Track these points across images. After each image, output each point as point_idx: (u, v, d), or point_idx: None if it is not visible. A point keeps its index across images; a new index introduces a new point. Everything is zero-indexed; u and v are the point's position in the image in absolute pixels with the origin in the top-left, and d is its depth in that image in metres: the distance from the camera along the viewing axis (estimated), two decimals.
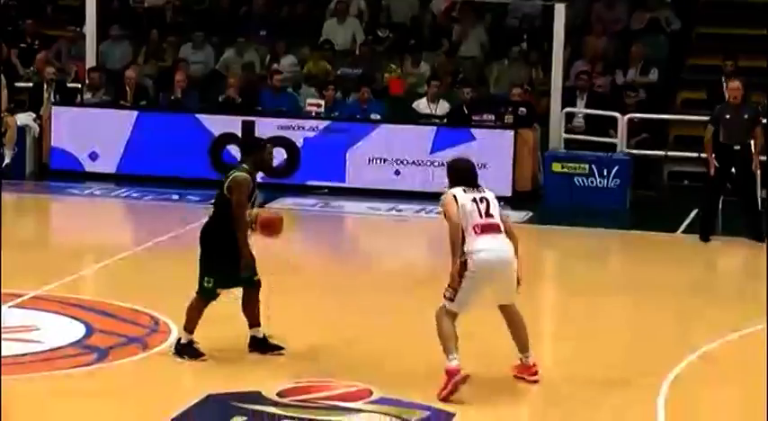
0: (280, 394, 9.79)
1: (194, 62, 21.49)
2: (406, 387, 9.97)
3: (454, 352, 9.87)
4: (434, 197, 17.78)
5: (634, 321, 12.24)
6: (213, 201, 10.91)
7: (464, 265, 9.84)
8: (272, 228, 10.83)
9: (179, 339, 10.74)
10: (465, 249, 9.84)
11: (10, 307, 11.99)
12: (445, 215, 9.97)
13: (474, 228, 9.84)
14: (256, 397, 9.70)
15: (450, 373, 9.81)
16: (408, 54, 21.43)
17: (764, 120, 17.23)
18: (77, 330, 11.41)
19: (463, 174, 10.20)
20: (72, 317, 11.79)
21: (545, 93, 19.84)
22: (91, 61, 20.78)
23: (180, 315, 11.67)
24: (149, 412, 9.25)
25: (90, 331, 11.41)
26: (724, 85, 18.48)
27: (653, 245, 16.66)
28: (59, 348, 10.92)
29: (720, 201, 16.71)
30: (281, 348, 10.86)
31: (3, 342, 10.73)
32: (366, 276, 14.64)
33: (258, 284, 10.75)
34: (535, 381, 10.24)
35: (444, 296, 9.99)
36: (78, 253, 15.41)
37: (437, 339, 10.78)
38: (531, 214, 17.59)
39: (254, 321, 10.86)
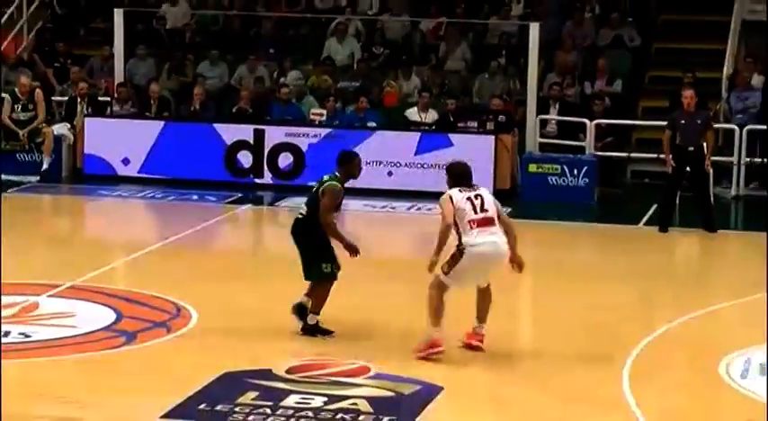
0: (288, 371, 9.80)
1: (211, 77, 21.48)
2: (400, 364, 9.99)
3: (438, 325, 10.02)
4: (422, 195, 18.00)
5: (601, 304, 12.24)
6: (306, 201, 11.04)
7: (461, 253, 9.94)
8: None
9: (306, 320, 10.85)
10: (463, 241, 9.96)
11: (49, 296, 12.00)
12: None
13: (470, 223, 9.94)
14: (268, 374, 9.71)
15: (432, 344, 10.01)
16: (400, 68, 21.42)
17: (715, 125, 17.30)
18: (108, 316, 11.42)
19: (459, 176, 10.25)
20: (103, 305, 11.79)
21: (522, 102, 19.85)
22: (119, 77, 20.79)
23: (200, 302, 11.78)
24: (173, 388, 9.25)
25: (120, 317, 11.41)
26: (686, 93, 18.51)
27: (617, 236, 16.67)
28: (92, 333, 10.92)
29: (677, 197, 16.74)
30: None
31: (43, 327, 10.80)
32: (364, 265, 14.60)
33: (338, 267, 10.97)
34: (478, 347, 10.29)
35: (441, 269, 10.04)
36: (109, 247, 15.42)
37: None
38: (509, 210, 17.47)
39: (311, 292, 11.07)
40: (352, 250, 10.80)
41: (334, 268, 10.89)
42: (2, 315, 10.72)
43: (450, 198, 10.05)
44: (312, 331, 10.87)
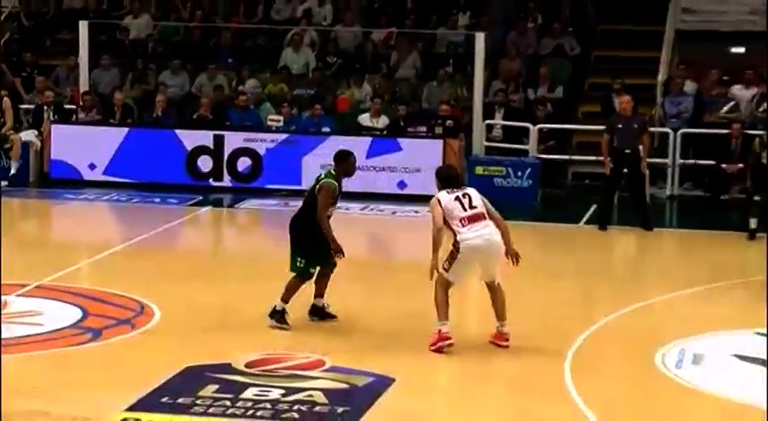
0: (247, 365, 9.75)
1: (172, 86, 21.38)
2: (354, 357, 9.97)
3: (445, 318, 10.14)
4: (374, 197, 18.00)
5: (544, 299, 12.27)
6: (304, 197, 11.10)
7: (457, 250, 10.04)
8: None
9: (275, 306, 10.86)
10: (457, 239, 10.04)
11: (17, 296, 11.89)
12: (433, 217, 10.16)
13: (461, 221, 10.03)
14: (227, 368, 9.66)
15: (441, 337, 10.11)
16: (353, 77, 21.40)
17: (650, 129, 17.40)
18: (74, 314, 11.32)
19: (445, 178, 10.34)
20: (70, 303, 11.69)
21: (468, 107, 19.89)
22: (84, 86, 20.66)
23: (163, 300, 11.70)
24: (137, 382, 9.18)
25: (85, 315, 11.32)
26: (614, 100, 18.65)
27: (560, 234, 16.73)
28: (59, 330, 10.83)
29: (615, 197, 16.84)
30: (335, 317, 11.11)
31: (10, 327, 10.68)
32: None
33: (334, 265, 10.99)
34: (506, 347, 10.32)
35: (443, 267, 10.12)
36: (75, 248, 15.30)
37: (381, 317, 10.85)
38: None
39: (319, 292, 11.12)
40: (338, 251, 10.78)
41: (309, 266, 10.88)
42: None
43: (439, 201, 10.12)
44: (273, 316, 10.86)
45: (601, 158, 16.92)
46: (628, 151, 16.38)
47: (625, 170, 16.48)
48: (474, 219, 10.08)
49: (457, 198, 10.09)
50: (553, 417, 8.90)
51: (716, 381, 9.67)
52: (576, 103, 21.30)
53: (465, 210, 10.06)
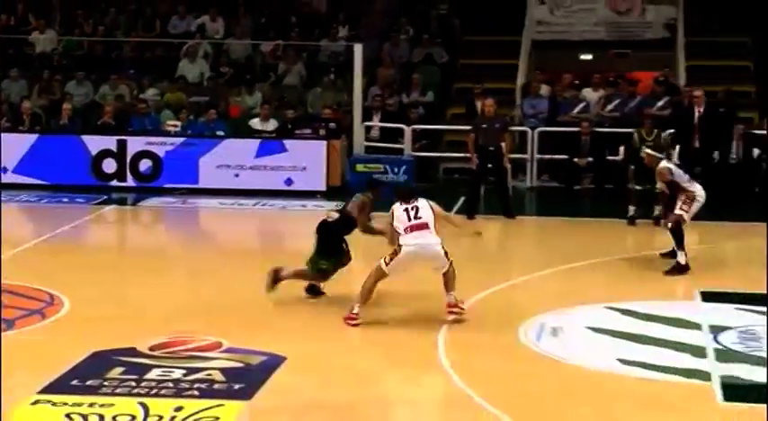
0: (151, 348, 9.63)
1: (77, 95, 21.01)
2: (249, 339, 9.91)
3: (363, 303, 10.57)
4: (263, 193, 17.92)
5: (420, 279, 12.29)
6: (340, 207, 11.72)
7: (398, 251, 10.58)
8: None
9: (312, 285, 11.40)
10: (400, 242, 10.59)
11: None
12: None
13: (405, 229, 10.62)
14: (132, 351, 9.53)
15: (352, 316, 10.50)
16: (244, 85, 21.25)
17: (511, 128, 17.59)
18: None
19: (401, 194, 10.98)
20: None
21: (349, 111, 19.89)
22: None
23: (71, 291, 11.49)
24: (48, 367, 9.01)
25: None
26: (477, 103, 18.80)
27: None
28: None
29: (481, 189, 16.97)
30: (323, 293, 11.51)
31: None
32: (218, 255, 14.51)
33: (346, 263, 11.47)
34: (459, 312, 10.68)
35: (384, 260, 10.59)
36: None
37: (274, 301, 10.79)
38: (341, 204, 17.59)
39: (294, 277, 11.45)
40: (391, 244, 11.02)
41: (330, 268, 11.26)
42: None
43: (393, 211, 10.79)
44: (309, 290, 11.45)
45: (468, 155, 17.05)
46: (492, 148, 16.53)
47: (490, 165, 16.64)
48: (416, 228, 10.63)
49: (406, 210, 10.70)
50: (427, 387, 8.94)
51: (572, 351, 9.81)
52: (444, 106, 21.42)
53: (410, 220, 10.64)
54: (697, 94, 17.64)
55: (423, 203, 10.81)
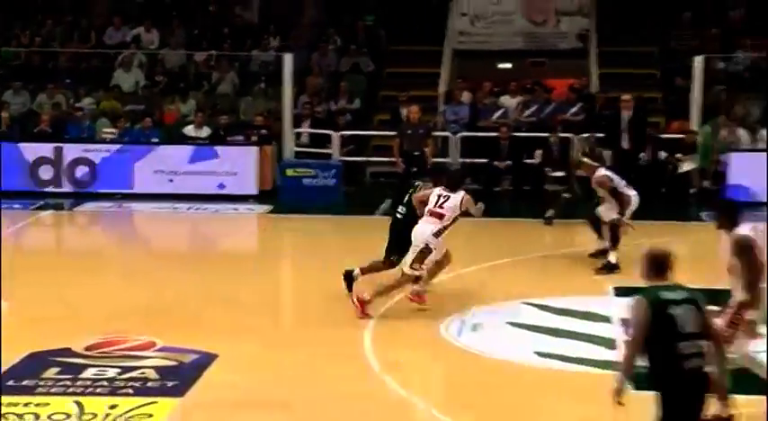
0: (86, 348, 9.47)
1: (14, 104, 20.63)
2: (182, 338, 9.78)
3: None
4: (197, 198, 17.74)
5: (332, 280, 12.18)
6: (403, 204, 11.43)
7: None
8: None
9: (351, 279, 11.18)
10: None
11: None
12: None
13: (425, 212, 10.90)
14: (68, 352, 9.37)
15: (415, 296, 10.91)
16: (178, 93, 21.04)
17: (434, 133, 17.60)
18: None
19: (447, 180, 11.03)
20: None
21: (279, 118, 19.76)
22: None
23: (9, 293, 11.22)
24: None
25: None
26: (401, 109, 18.79)
27: (361, 224, 16.70)
28: None
29: None
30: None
31: None
32: (152, 258, 14.34)
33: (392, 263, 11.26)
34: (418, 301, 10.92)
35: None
36: None
37: (205, 301, 10.66)
38: (272, 207, 17.53)
39: (368, 270, 11.29)
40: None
41: (400, 260, 11.04)
42: None
43: (432, 192, 10.90)
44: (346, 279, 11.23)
45: (393, 159, 17.01)
46: (416, 153, 16.54)
47: (414, 169, 16.62)
48: (430, 213, 10.75)
49: (439, 195, 10.79)
50: (353, 380, 8.90)
51: (491, 345, 9.82)
52: (371, 113, 21.37)
53: (434, 206, 10.76)
54: (625, 99, 17.73)
55: (457, 197, 10.81)
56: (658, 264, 6.45)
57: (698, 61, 18.62)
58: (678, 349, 6.21)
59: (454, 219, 10.82)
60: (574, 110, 19.45)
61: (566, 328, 10.30)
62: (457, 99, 20.21)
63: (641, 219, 15.78)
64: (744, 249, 7.89)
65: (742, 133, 18.06)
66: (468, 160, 19.21)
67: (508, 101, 20.12)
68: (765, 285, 7.82)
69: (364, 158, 19.92)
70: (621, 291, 11.65)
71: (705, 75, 18.59)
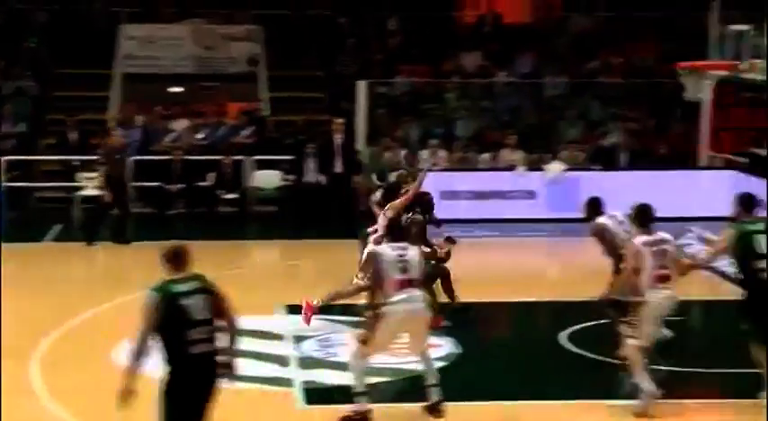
0: None
1: None
2: None
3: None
4: None
5: (17, 305, 11.70)
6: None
7: None
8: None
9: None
10: None
11: None
12: None
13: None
14: None
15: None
16: None
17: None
18: None
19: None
20: None
21: None
22: None
23: None
24: None
25: None
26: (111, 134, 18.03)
27: (22, 253, 15.79)
28: None
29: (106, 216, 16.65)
30: None
31: None
32: None
33: None
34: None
35: None
36: None
37: None
38: None
39: None
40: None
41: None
42: None
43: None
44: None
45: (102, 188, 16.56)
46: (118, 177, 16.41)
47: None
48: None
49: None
50: (19, 410, 8.60)
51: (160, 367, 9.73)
52: (37, 137, 20.67)
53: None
54: (338, 122, 18.16)
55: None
56: (177, 257, 7.13)
57: (361, 85, 19.39)
58: (187, 336, 6.86)
59: None
60: (246, 132, 19.74)
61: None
62: (129, 122, 19.95)
63: (309, 238, 16.25)
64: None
65: (403, 154, 18.91)
66: (141, 184, 18.96)
67: (179, 124, 20.11)
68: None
69: (31, 184, 19.19)
70: (294, 309, 11.87)
71: (368, 99, 19.38)
